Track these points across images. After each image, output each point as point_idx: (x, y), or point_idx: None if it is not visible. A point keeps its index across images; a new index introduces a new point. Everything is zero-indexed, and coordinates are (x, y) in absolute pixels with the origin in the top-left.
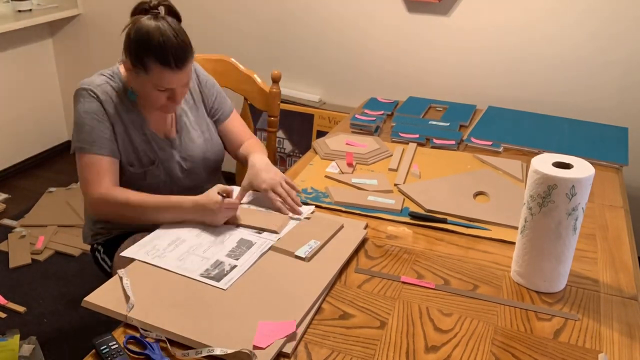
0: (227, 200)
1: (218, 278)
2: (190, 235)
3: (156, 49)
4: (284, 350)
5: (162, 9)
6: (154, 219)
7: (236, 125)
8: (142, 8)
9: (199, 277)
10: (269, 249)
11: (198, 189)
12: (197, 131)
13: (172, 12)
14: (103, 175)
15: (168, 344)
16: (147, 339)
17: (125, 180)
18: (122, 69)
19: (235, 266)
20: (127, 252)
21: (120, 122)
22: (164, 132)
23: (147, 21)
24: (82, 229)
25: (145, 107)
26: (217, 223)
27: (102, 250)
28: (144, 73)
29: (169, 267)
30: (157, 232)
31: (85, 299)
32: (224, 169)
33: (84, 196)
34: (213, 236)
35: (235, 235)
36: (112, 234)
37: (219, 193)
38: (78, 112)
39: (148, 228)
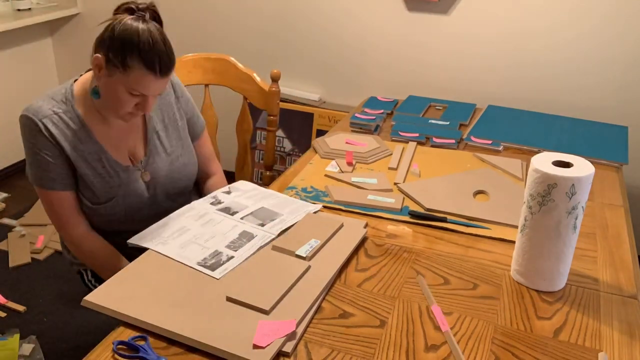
0: None
1: (213, 267)
2: (196, 225)
3: (144, 50)
4: (284, 349)
5: (148, 14)
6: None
7: (204, 149)
8: (127, 7)
9: (196, 266)
10: (269, 241)
11: (161, 216)
12: (165, 153)
13: (157, 19)
14: (76, 211)
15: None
16: (137, 342)
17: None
18: (76, 87)
19: (232, 257)
20: (134, 240)
21: (76, 154)
22: (128, 156)
23: (134, 21)
24: (62, 252)
25: (107, 112)
26: None
27: (90, 274)
28: (121, 72)
29: (170, 254)
30: (165, 220)
31: (86, 298)
32: (224, 168)
33: (60, 232)
34: (218, 227)
35: (238, 227)
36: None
37: None
38: (28, 145)
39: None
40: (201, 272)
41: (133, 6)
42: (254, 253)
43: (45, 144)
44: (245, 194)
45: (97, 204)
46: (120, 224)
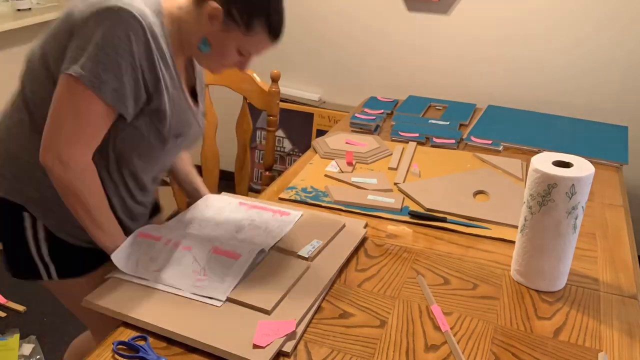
0: None
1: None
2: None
3: (273, 16)
4: (284, 349)
5: None
6: (86, 226)
7: None
8: None
9: (191, 296)
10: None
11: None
12: (203, 106)
13: None
14: (94, 134)
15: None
16: (137, 342)
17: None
18: (166, 4)
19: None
20: (114, 274)
21: (165, 74)
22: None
23: None
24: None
25: (201, 59)
26: None
27: (42, 235)
28: (243, 31)
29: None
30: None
31: (86, 298)
32: (223, 168)
33: (63, 149)
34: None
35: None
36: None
37: None
38: (112, 39)
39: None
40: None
41: None
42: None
43: (138, 50)
44: (209, 222)
45: (165, 140)
46: (162, 167)
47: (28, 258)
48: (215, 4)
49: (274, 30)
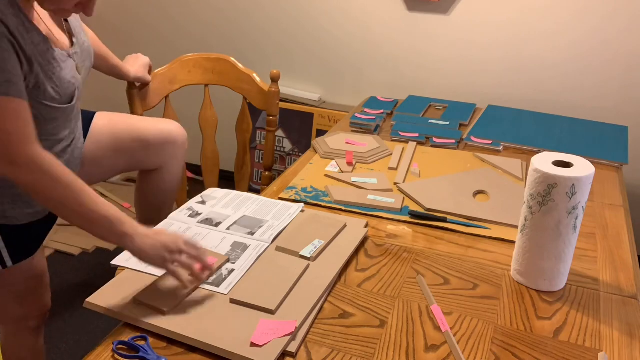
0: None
1: (217, 283)
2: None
3: None
4: (289, 349)
5: None
6: (70, 217)
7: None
8: None
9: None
10: (265, 250)
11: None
12: (82, 33)
13: None
14: (30, 127)
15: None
16: (137, 342)
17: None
18: None
19: (232, 270)
20: (117, 261)
21: (29, 46)
22: (62, 45)
23: None
24: None
25: (43, 3)
26: (151, 262)
27: None
28: None
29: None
30: None
31: (88, 300)
32: (223, 168)
33: (9, 153)
34: (206, 241)
35: (228, 239)
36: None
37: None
38: None
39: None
40: (205, 289)
41: None
42: (253, 263)
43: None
44: (221, 202)
45: (61, 103)
46: (64, 129)
47: None
48: None
49: None
